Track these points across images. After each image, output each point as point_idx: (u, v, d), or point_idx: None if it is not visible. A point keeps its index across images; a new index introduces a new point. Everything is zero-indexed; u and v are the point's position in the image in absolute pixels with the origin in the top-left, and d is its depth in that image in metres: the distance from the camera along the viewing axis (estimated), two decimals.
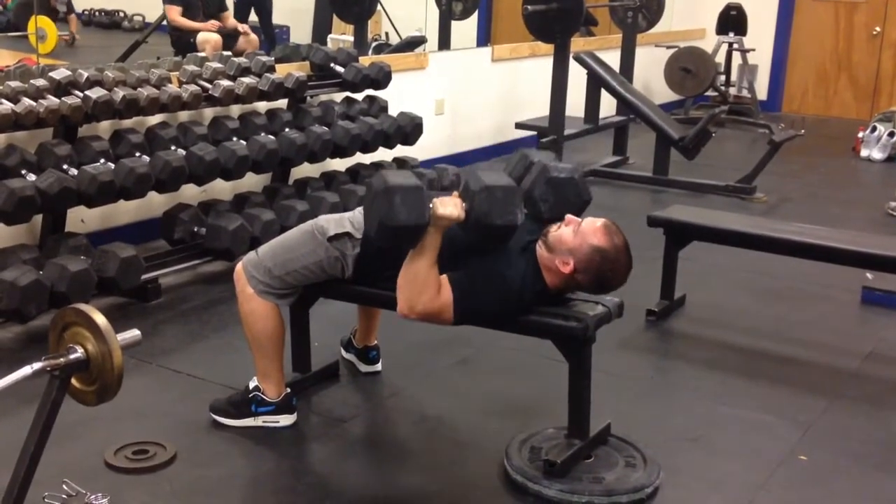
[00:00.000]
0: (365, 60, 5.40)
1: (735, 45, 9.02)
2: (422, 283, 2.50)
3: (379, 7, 7.02)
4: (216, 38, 6.18)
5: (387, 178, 2.41)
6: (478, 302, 2.54)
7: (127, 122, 4.17)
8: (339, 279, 2.80)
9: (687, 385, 3.36)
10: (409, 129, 5.27)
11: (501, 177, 2.52)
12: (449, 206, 2.43)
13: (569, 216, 2.64)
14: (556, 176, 2.76)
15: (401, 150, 5.45)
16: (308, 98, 5.02)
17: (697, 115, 8.13)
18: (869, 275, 4.23)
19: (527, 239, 2.62)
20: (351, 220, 2.79)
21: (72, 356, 2.03)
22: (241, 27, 6.53)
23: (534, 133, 6.47)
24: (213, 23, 6.38)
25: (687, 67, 8.63)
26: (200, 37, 6.25)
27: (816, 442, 2.93)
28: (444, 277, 2.53)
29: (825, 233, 3.93)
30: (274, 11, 7.77)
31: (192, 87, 4.25)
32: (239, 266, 2.86)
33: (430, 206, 2.41)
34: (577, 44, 7.24)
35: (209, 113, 4.58)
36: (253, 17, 7.55)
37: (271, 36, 7.48)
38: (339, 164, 5.20)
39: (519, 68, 7.22)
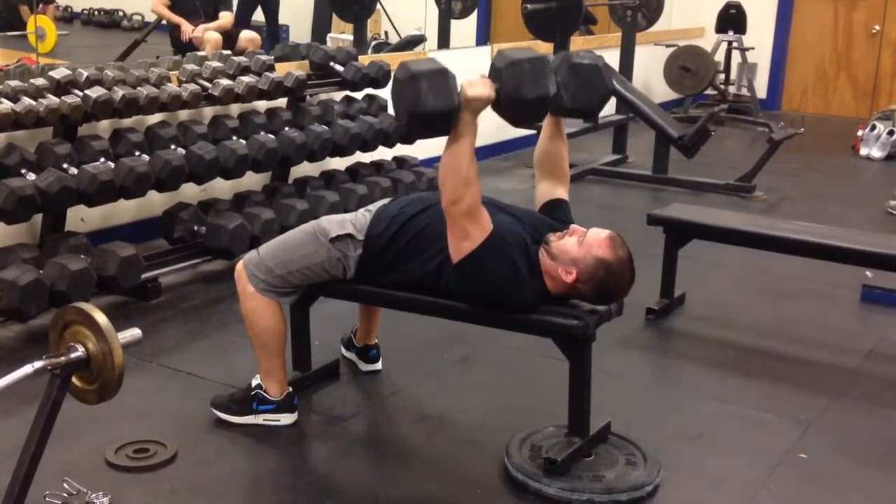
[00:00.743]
0: (364, 59, 5.40)
1: (734, 44, 9.02)
2: (465, 174, 2.43)
3: (378, 6, 7.02)
4: (216, 37, 6.15)
5: (410, 66, 2.36)
6: (494, 261, 2.51)
7: (127, 122, 4.17)
8: (341, 279, 2.80)
9: (687, 383, 3.36)
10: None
11: (527, 51, 2.46)
12: (478, 87, 2.41)
13: (573, 226, 2.63)
14: (579, 62, 2.68)
15: (400, 149, 5.45)
16: (307, 97, 5.02)
17: (697, 113, 8.13)
18: (869, 273, 4.23)
19: (524, 240, 2.61)
20: (353, 222, 2.79)
21: (72, 355, 2.03)
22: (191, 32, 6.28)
23: (534, 132, 6.46)
24: (204, 26, 6.27)
25: (686, 66, 8.63)
26: (202, 35, 6.22)
27: (817, 440, 2.93)
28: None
29: (825, 231, 3.93)
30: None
31: (192, 86, 4.25)
32: (239, 265, 2.86)
33: (459, 89, 2.37)
34: (577, 42, 7.24)
35: (209, 112, 4.59)
36: (258, 16, 7.54)
37: (276, 35, 7.47)
38: (338, 163, 5.20)
39: None
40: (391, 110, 5.33)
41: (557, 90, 2.59)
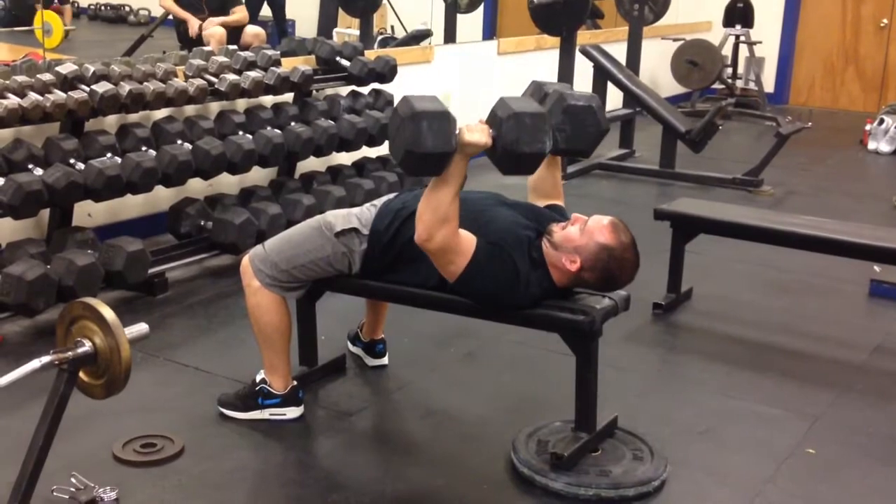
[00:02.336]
0: (370, 54, 5.40)
1: (742, 38, 8.99)
2: (444, 213, 2.44)
3: (384, 1, 7.01)
4: (221, 31, 6.14)
5: (413, 103, 2.36)
6: (491, 269, 2.52)
7: (133, 117, 4.17)
8: (346, 274, 2.80)
9: (694, 378, 3.36)
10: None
11: (530, 103, 2.46)
12: (476, 133, 2.40)
13: (575, 214, 2.63)
14: (574, 104, 2.68)
15: None
16: (314, 92, 5.02)
17: (704, 107, 8.10)
18: (877, 267, 4.22)
19: (525, 234, 2.61)
20: (358, 216, 2.79)
21: (80, 350, 2.03)
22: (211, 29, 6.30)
23: None
24: (215, 20, 6.28)
25: (693, 60, 8.61)
26: (205, 31, 6.22)
27: (824, 435, 2.92)
28: (466, 232, 2.51)
29: (832, 225, 3.92)
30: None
31: (198, 82, 4.25)
32: (245, 259, 2.86)
33: (457, 132, 2.38)
34: (584, 37, 7.22)
35: (215, 107, 4.59)
36: (265, 11, 7.53)
37: (283, 30, 7.47)
38: (345, 158, 5.20)
39: (525, 62, 7.20)
40: (395, 106, 5.33)
41: (552, 134, 2.61)
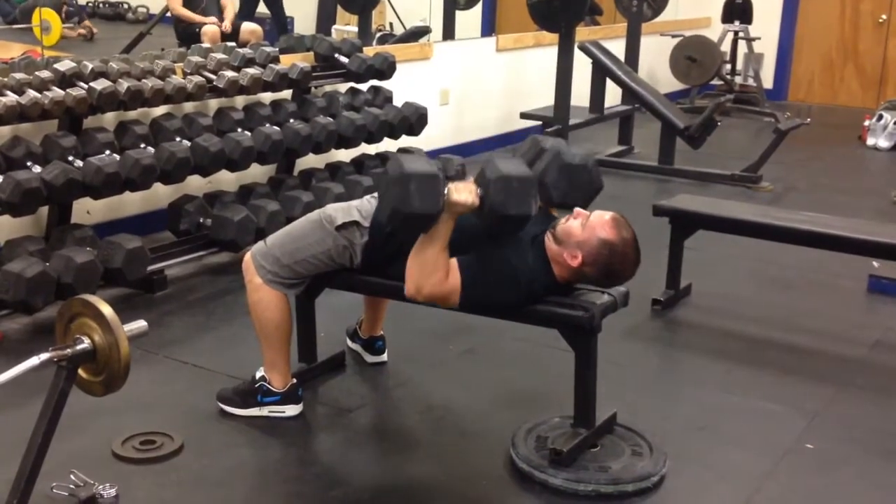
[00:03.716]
0: (369, 51, 5.40)
1: (741, 34, 8.99)
2: (431, 266, 2.50)
3: None
4: (214, 29, 6.17)
5: (403, 163, 2.39)
6: (486, 289, 2.54)
7: (132, 114, 4.17)
8: (347, 268, 2.80)
9: (693, 374, 3.36)
10: (414, 120, 5.26)
11: (518, 166, 2.50)
12: (464, 193, 2.42)
13: (577, 209, 2.64)
14: (570, 162, 2.74)
15: (406, 141, 5.45)
16: (313, 89, 5.02)
17: (703, 104, 8.10)
18: (875, 263, 4.22)
19: (535, 230, 2.62)
20: (359, 209, 2.78)
21: (79, 347, 2.03)
22: (216, 24, 6.39)
23: (539, 123, 6.46)
24: (214, 19, 6.35)
25: (692, 56, 8.61)
26: (203, 28, 6.24)
27: (823, 430, 2.93)
28: (454, 261, 2.53)
29: (831, 221, 3.92)
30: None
31: (197, 79, 4.24)
32: (247, 256, 2.86)
33: (445, 192, 2.40)
34: (582, 33, 7.22)
35: (214, 104, 4.59)
36: (262, 8, 7.52)
37: (283, 26, 7.46)
38: (344, 155, 5.20)
39: (524, 58, 7.20)
40: (396, 102, 5.33)
41: (547, 191, 2.68)
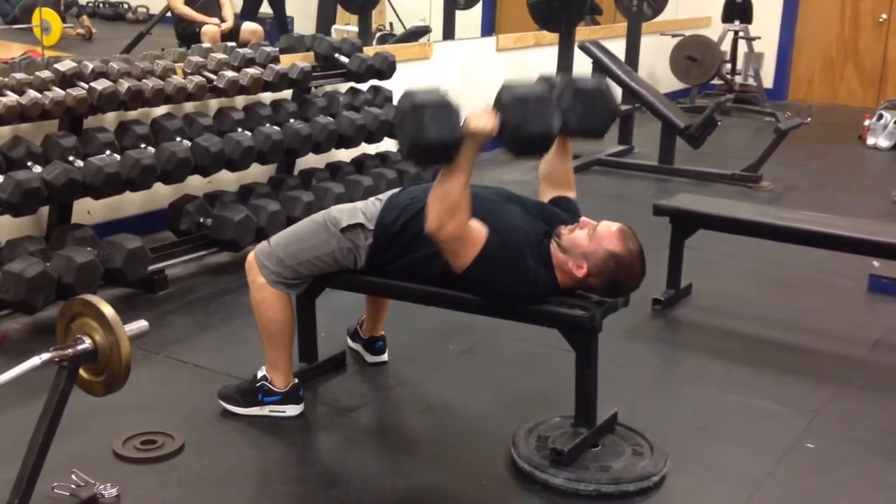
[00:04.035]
0: (369, 51, 5.40)
1: (741, 34, 8.99)
2: (455, 201, 2.43)
3: None
4: (214, 29, 6.18)
5: (414, 96, 2.37)
6: (500, 265, 2.51)
7: (132, 114, 4.17)
8: (350, 269, 2.80)
9: (693, 374, 3.36)
10: None
11: (533, 87, 2.46)
12: (482, 120, 2.40)
13: (584, 219, 2.62)
14: (584, 87, 2.70)
15: None
16: (313, 88, 5.02)
17: (703, 103, 8.10)
18: (876, 262, 4.22)
19: (534, 233, 2.61)
20: (363, 211, 2.78)
21: (80, 347, 2.04)
22: (217, 25, 6.41)
23: None
24: (216, 20, 6.36)
25: (692, 56, 8.61)
26: (203, 28, 6.25)
27: (823, 430, 2.93)
28: (478, 222, 2.51)
29: (832, 221, 3.92)
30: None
31: (197, 78, 4.25)
32: (251, 256, 2.86)
33: (463, 120, 2.37)
34: (582, 33, 7.22)
35: (214, 104, 4.59)
36: (265, 8, 7.53)
37: (285, 26, 7.47)
38: (344, 155, 5.20)
39: (524, 58, 7.20)
40: (396, 102, 5.33)
41: (564, 116, 2.60)
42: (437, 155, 2.41)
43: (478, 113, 2.41)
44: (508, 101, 2.39)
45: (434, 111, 2.34)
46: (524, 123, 2.38)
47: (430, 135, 2.33)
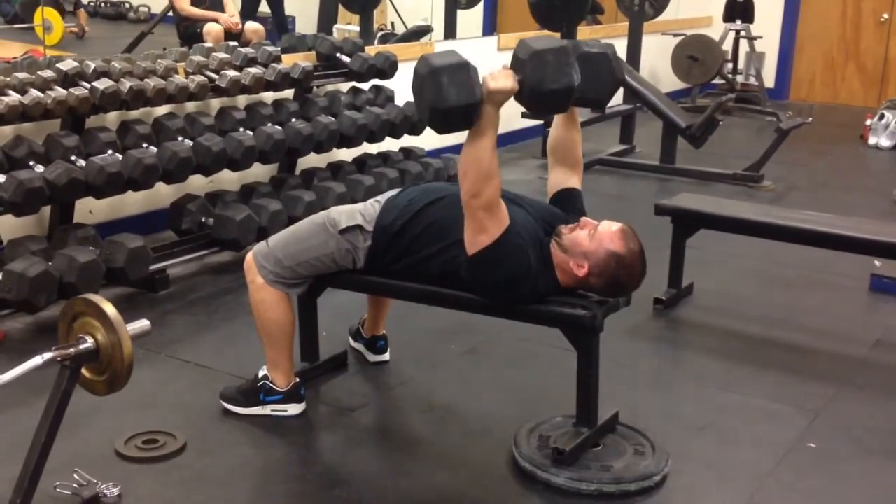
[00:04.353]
0: (371, 50, 5.40)
1: (742, 33, 8.99)
2: (486, 168, 2.40)
3: None
4: (218, 28, 6.17)
5: (431, 60, 2.32)
6: (506, 258, 2.50)
7: (134, 113, 4.17)
8: (350, 270, 2.80)
9: (695, 373, 3.36)
10: (416, 119, 5.26)
11: (550, 41, 2.41)
12: (501, 79, 2.37)
13: (585, 219, 2.62)
14: (589, 51, 2.64)
15: (408, 140, 5.45)
16: (314, 88, 5.02)
17: (704, 103, 8.10)
18: (877, 262, 4.22)
19: (537, 232, 2.61)
20: (362, 213, 2.78)
21: (82, 346, 2.04)
22: (228, 21, 6.41)
23: (540, 122, 6.46)
24: (225, 17, 6.35)
25: (694, 55, 8.61)
26: (205, 27, 6.24)
27: (824, 429, 2.93)
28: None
29: (833, 220, 3.92)
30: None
31: (199, 78, 4.25)
32: (249, 256, 2.86)
33: (481, 82, 2.34)
34: (584, 32, 7.21)
35: (216, 103, 4.59)
36: (264, 7, 7.53)
37: (283, 25, 7.47)
38: (345, 154, 5.20)
39: None
40: (398, 101, 5.33)
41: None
42: (457, 119, 2.36)
43: (496, 73, 2.39)
44: (526, 57, 2.34)
45: (452, 74, 2.29)
46: (544, 79, 2.33)
47: (450, 98, 2.29)
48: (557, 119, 2.81)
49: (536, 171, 6.09)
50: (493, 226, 2.46)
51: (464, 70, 2.32)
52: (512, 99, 2.44)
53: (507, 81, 2.37)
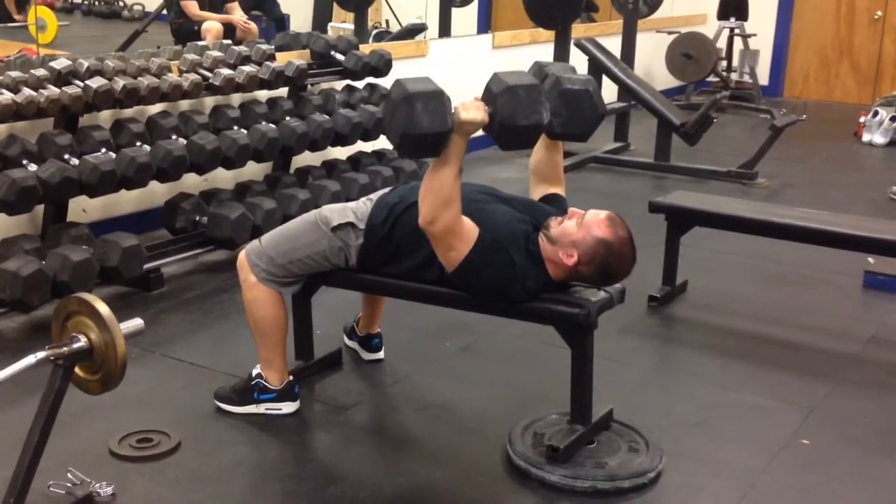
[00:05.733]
0: (365, 48, 5.40)
1: (736, 31, 9.00)
2: (447, 195, 2.43)
3: None
4: (218, 27, 6.16)
5: (406, 85, 2.34)
6: (488, 263, 2.51)
7: (128, 112, 4.16)
8: (343, 268, 2.80)
9: (689, 370, 3.37)
10: None
11: (523, 76, 2.44)
12: (472, 110, 2.38)
13: (572, 209, 2.63)
14: (570, 88, 2.67)
15: None
16: (309, 86, 5.02)
17: (699, 100, 8.12)
18: (871, 259, 4.23)
19: (521, 229, 2.61)
20: (354, 211, 2.78)
21: (75, 345, 2.04)
22: (240, 22, 6.42)
23: None
24: (234, 18, 6.35)
25: (688, 53, 8.61)
26: (205, 25, 6.23)
27: (819, 426, 2.93)
28: (469, 219, 2.50)
29: (827, 218, 3.93)
30: None
31: (193, 76, 4.24)
32: (242, 254, 2.86)
33: (453, 111, 2.36)
34: (578, 30, 7.22)
35: (210, 102, 4.58)
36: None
37: (282, 23, 7.45)
38: (340, 153, 5.20)
39: (520, 55, 7.18)
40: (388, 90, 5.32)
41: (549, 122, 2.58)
42: (427, 146, 2.39)
43: (467, 104, 2.41)
44: (498, 91, 2.37)
45: (426, 101, 2.31)
46: (514, 114, 2.36)
47: (423, 125, 2.31)
48: (539, 142, 2.80)
49: None
50: (459, 243, 2.49)
51: (438, 98, 2.34)
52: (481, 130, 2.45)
53: (479, 113, 2.39)
